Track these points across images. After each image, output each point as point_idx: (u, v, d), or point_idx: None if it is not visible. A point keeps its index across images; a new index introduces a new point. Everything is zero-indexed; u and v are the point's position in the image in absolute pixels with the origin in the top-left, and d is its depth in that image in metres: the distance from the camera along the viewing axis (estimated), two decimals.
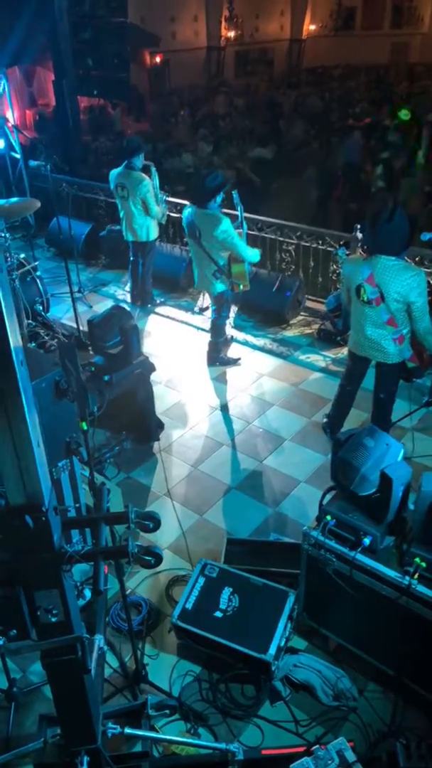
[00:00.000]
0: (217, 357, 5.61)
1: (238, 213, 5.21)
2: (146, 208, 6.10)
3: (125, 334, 4.12)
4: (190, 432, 4.83)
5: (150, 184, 6.07)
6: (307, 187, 9.99)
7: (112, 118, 15.19)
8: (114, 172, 6.19)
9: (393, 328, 3.75)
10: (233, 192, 5.04)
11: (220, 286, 5.09)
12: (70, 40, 8.77)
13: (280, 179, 10.58)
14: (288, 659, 3.02)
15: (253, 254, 5.02)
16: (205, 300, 5.95)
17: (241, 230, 5.10)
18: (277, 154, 11.62)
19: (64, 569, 1.83)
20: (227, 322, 5.51)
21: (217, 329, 5.48)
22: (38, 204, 5.46)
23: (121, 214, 6.30)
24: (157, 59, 19.82)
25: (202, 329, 5.58)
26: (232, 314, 5.51)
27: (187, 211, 5.01)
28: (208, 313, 5.58)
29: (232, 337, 5.71)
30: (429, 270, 5.09)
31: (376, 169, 9.71)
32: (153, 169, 6.28)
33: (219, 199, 4.88)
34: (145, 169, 6.16)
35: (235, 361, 5.67)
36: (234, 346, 5.92)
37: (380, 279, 3.63)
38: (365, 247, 4.28)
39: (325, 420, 4.67)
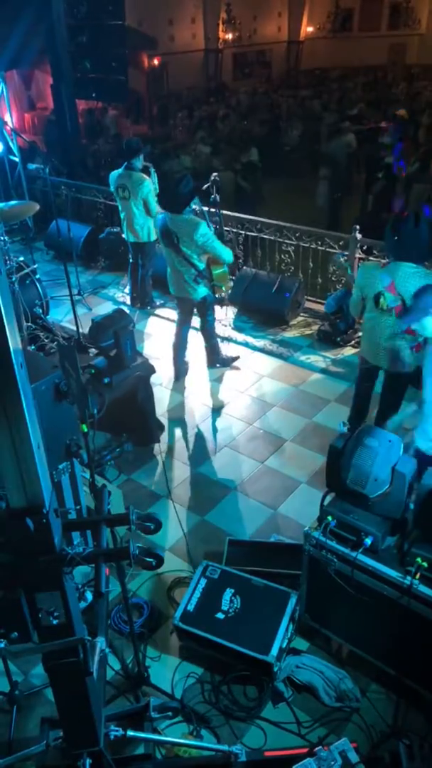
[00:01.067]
0: (217, 358, 5.61)
1: (205, 215, 5.19)
2: (147, 208, 6.11)
3: (117, 338, 4.13)
4: (190, 433, 4.83)
5: (151, 184, 6.08)
6: (322, 188, 10.00)
7: (108, 122, 15.23)
8: (114, 174, 6.20)
9: (411, 337, 3.69)
10: (195, 198, 5.01)
11: (202, 290, 5.05)
12: (67, 43, 8.79)
13: (281, 181, 10.59)
14: (290, 660, 3.02)
15: (229, 254, 5.01)
16: None
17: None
18: (274, 157, 11.62)
19: (66, 571, 1.83)
20: (215, 323, 5.50)
21: (207, 333, 5.46)
22: (37, 207, 5.47)
23: (122, 216, 6.31)
24: (155, 62, 19.86)
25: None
26: (231, 315, 5.49)
27: (159, 218, 4.98)
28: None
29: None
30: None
31: (376, 173, 9.71)
32: (152, 169, 6.31)
33: (193, 203, 4.87)
34: (144, 170, 6.18)
35: (233, 360, 5.67)
36: (233, 347, 5.94)
37: (402, 287, 3.57)
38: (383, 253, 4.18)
39: (346, 427, 4.57)
